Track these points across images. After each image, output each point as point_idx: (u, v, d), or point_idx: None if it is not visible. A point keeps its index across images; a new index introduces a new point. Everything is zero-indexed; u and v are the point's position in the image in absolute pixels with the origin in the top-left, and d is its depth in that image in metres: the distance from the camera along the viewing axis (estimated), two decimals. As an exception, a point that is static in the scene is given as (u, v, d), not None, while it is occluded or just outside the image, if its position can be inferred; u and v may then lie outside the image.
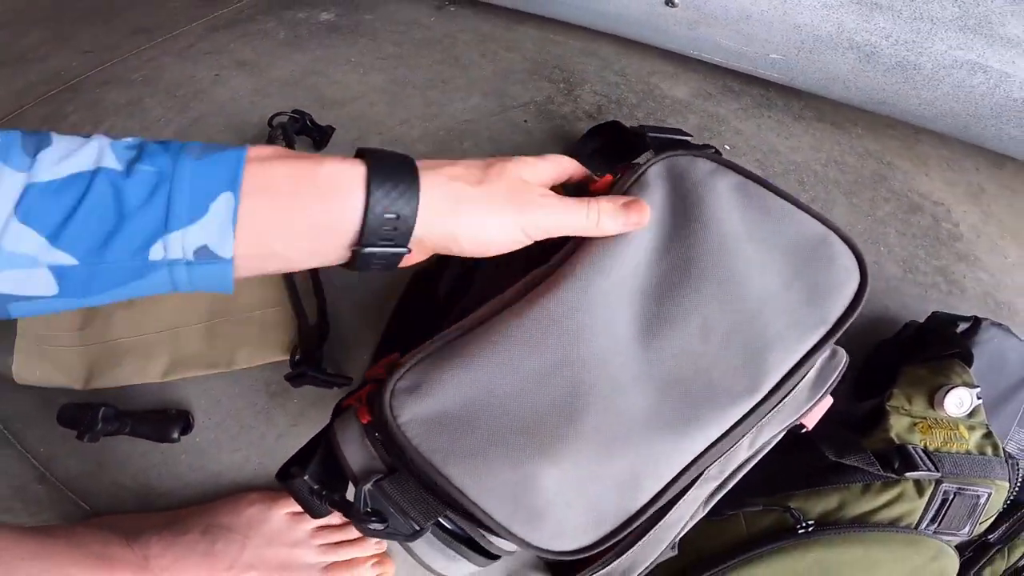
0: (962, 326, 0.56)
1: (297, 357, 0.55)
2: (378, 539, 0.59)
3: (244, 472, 0.59)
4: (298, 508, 0.57)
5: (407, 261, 0.35)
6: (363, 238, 0.32)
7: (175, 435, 0.57)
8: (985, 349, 0.55)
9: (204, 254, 0.29)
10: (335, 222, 0.31)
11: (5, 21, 0.71)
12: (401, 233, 0.32)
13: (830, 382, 0.44)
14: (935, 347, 0.55)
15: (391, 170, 0.32)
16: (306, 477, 0.42)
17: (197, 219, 0.28)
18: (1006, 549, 0.54)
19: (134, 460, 0.60)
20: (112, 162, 0.28)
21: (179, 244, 0.28)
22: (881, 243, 0.63)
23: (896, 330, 0.59)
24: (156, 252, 0.28)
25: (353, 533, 0.58)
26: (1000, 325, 0.56)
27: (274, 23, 0.80)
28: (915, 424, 0.52)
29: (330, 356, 0.58)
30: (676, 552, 0.47)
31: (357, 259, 0.33)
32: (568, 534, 0.37)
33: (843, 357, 0.45)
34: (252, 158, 0.30)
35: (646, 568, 0.45)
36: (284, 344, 0.57)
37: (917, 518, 0.49)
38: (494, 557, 0.46)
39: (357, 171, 0.31)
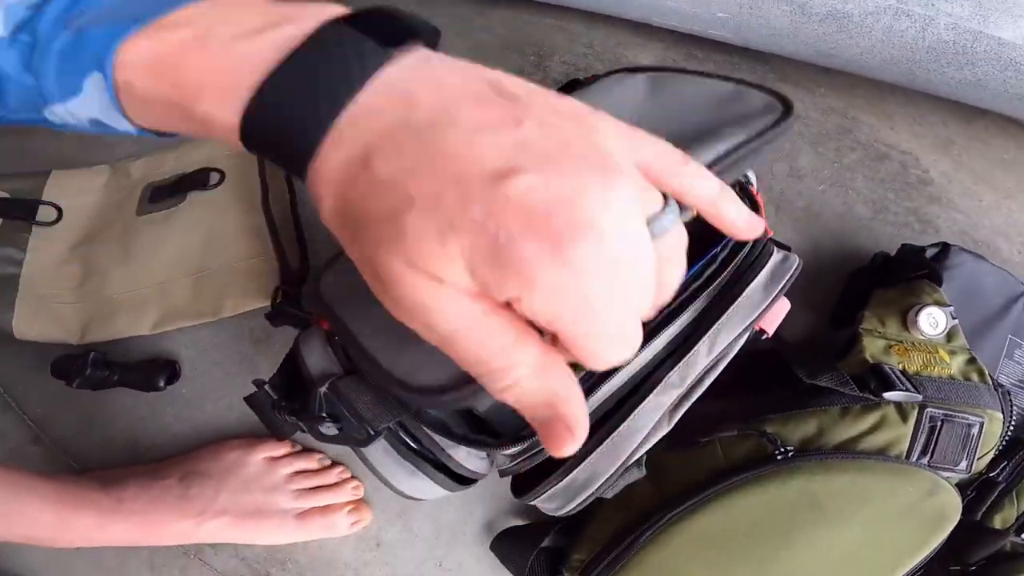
0: (931, 251, 0.55)
1: (279, 300, 0.56)
2: (356, 484, 0.58)
3: (228, 420, 0.60)
4: (276, 452, 0.58)
5: None
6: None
7: (161, 383, 0.59)
8: (957, 274, 0.54)
9: (100, 125, 0.25)
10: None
11: None
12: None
13: (783, 282, 0.44)
14: (905, 271, 0.54)
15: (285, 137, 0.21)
16: (267, 387, 0.43)
17: (72, 96, 0.23)
18: (1015, 494, 0.50)
19: (123, 415, 0.61)
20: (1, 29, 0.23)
21: (66, 114, 0.24)
22: (849, 187, 0.63)
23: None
24: (53, 115, 0.25)
25: (330, 479, 0.57)
26: (971, 252, 0.55)
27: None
28: (891, 347, 0.50)
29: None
30: (644, 472, 0.46)
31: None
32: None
33: (795, 260, 0.45)
34: (122, 62, 0.22)
35: (608, 481, 0.43)
36: (267, 290, 0.58)
37: (906, 447, 0.46)
38: (458, 479, 0.45)
39: (230, 127, 0.22)
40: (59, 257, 0.61)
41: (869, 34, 0.57)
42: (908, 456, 0.46)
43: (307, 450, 0.59)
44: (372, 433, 0.41)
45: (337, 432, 0.41)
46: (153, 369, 0.59)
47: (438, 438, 0.42)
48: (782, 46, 0.63)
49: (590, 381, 0.40)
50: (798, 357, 0.51)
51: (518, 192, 0.18)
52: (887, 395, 0.46)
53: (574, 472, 0.42)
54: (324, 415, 0.41)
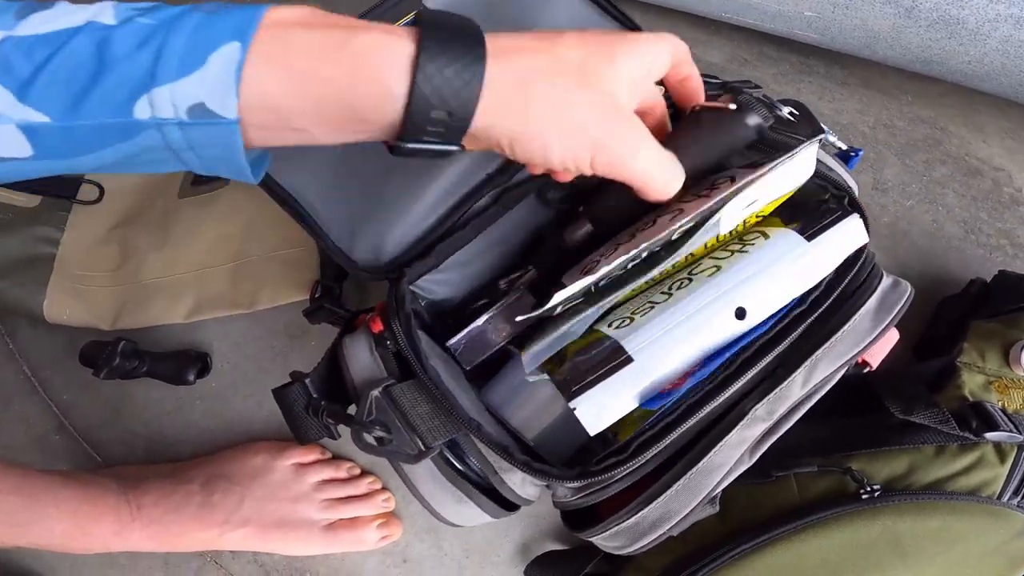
0: (1037, 280, 0.49)
1: (317, 294, 0.52)
2: (387, 495, 0.53)
3: (257, 419, 0.55)
4: (305, 459, 0.53)
5: None
6: (405, 133, 0.25)
7: (191, 377, 0.54)
8: (1066, 306, 0.47)
9: (200, 113, 0.23)
10: (367, 109, 0.25)
11: None
12: (452, 130, 0.26)
13: (895, 312, 0.38)
14: (1006, 300, 0.48)
15: (448, 46, 0.24)
16: (307, 381, 0.38)
17: (191, 72, 0.23)
18: None
19: (149, 407, 0.57)
20: (107, 18, 0.24)
21: (168, 101, 0.23)
22: (939, 203, 0.57)
23: (960, 289, 0.52)
24: (141, 109, 0.23)
25: (360, 489, 0.53)
26: (1080, 282, 0.49)
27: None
28: (990, 382, 0.45)
29: (349, 300, 0.55)
30: (717, 509, 0.40)
31: (395, 150, 0.27)
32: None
33: (907, 287, 0.39)
34: (271, 22, 0.24)
35: (680, 521, 0.38)
36: (305, 283, 0.54)
37: (999, 488, 0.42)
38: (506, 506, 0.40)
39: (402, 51, 0.24)
40: (97, 238, 0.58)
41: (984, 43, 0.50)
42: (1000, 496, 0.42)
43: (337, 457, 0.54)
44: (425, 448, 0.35)
45: (387, 440, 0.36)
46: (184, 361, 0.54)
47: (494, 460, 0.37)
48: (874, 50, 0.56)
49: (674, 415, 0.35)
50: (890, 388, 0.45)
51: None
52: (989, 435, 0.41)
53: (645, 510, 0.36)
54: (373, 421, 0.35)
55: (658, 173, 0.30)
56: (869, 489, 0.42)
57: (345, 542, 0.51)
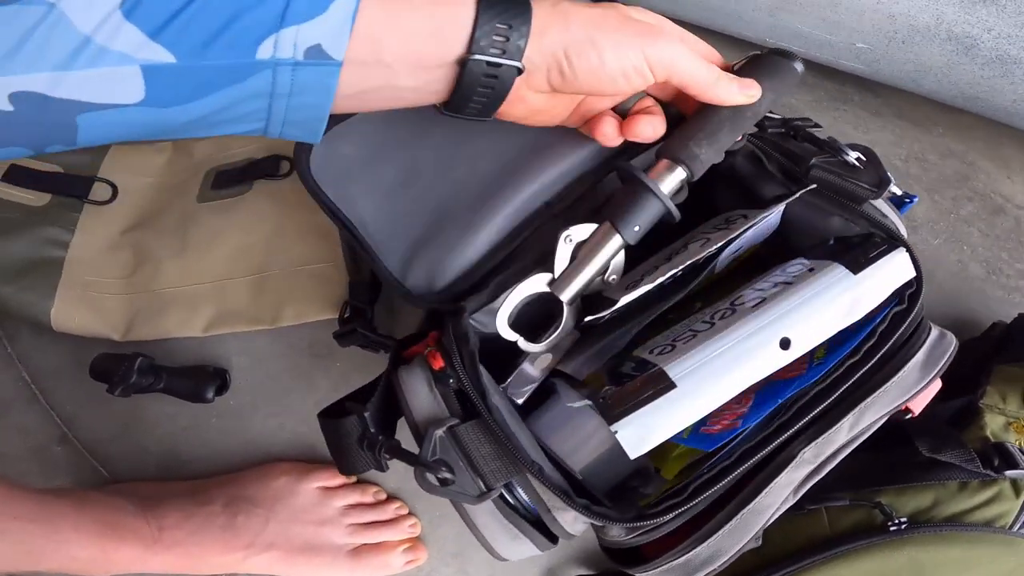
0: (1057, 325, 0.54)
1: (347, 315, 0.53)
2: (414, 521, 0.55)
3: (277, 441, 0.56)
4: (331, 483, 0.54)
5: (506, 110, 0.34)
6: (473, 45, 0.30)
7: (210, 395, 0.55)
8: (1082, 351, 0.52)
9: (315, 54, 0.27)
10: (445, 28, 0.30)
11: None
12: (512, 47, 0.31)
13: (941, 364, 0.41)
14: (1025, 345, 0.53)
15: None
16: (367, 415, 0.40)
17: (315, 16, 0.27)
18: None
19: (162, 423, 0.57)
20: None
21: (291, 41, 0.27)
22: (964, 243, 0.61)
23: (980, 331, 0.57)
24: (265, 49, 0.26)
25: (387, 514, 0.55)
26: (1098, 328, 0.54)
27: None
28: (1010, 424, 0.50)
29: (378, 322, 0.56)
30: (759, 543, 0.44)
31: (464, 77, 0.31)
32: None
33: (952, 340, 0.42)
34: None
35: (729, 559, 0.41)
36: (333, 302, 0.55)
37: (1012, 519, 0.47)
38: (554, 540, 0.42)
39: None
40: (109, 241, 0.57)
41: None
42: (1012, 526, 0.47)
43: (363, 482, 0.56)
44: (487, 489, 0.38)
45: (448, 484, 0.38)
46: (203, 378, 0.55)
47: (547, 499, 0.40)
48: (920, 84, 0.60)
49: (731, 459, 0.38)
50: (920, 428, 0.50)
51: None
52: (1009, 473, 0.47)
53: (698, 548, 0.40)
54: (438, 461, 0.37)
55: (709, 73, 0.35)
56: (897, 522, 0.47)
57: (371, 567, 0.53)
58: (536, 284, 0.40)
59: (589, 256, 0.38)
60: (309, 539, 0.52)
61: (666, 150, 0.38)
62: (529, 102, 0.35)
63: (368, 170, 0.44)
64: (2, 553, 0.41)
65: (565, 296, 0.39)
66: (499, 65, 0.31)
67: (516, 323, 0.41)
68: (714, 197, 0.50)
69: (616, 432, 0.36)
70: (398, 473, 0.55)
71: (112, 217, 0.58)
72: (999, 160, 0.63)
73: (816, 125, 0.46)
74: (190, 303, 0.55)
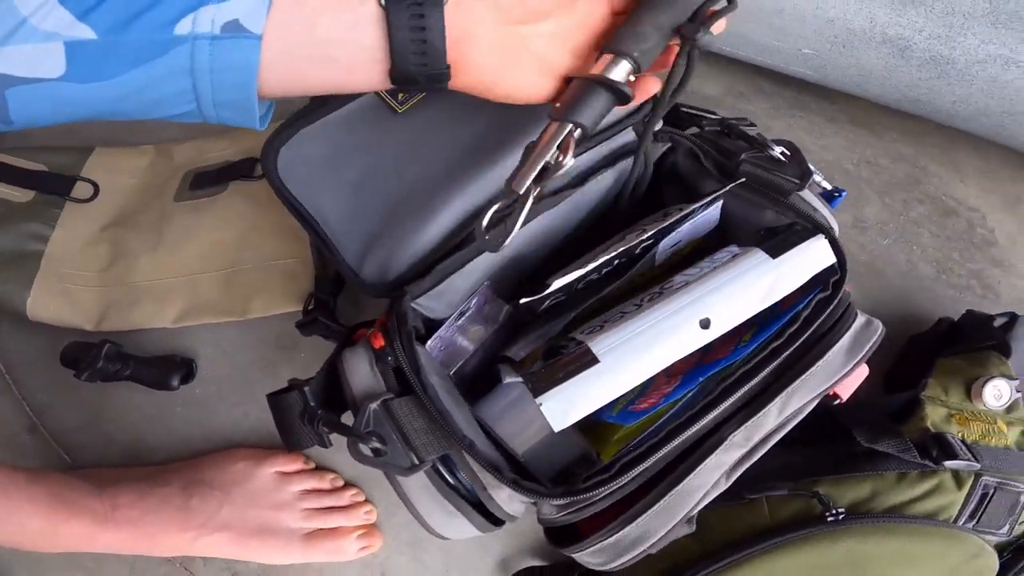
0: (999, 320, 0.55)
1: (311, 306, 0.55)
2: (370, 508, 0.57)
3: (240, 429, 0.59)
4: (288, 468, 0.56)
5: (465, 75, 0.33)
6: (393, 66, 0.31)
7: (175, 383, 0.58)
8: (1023, 346, 0.54)
9: (233, 27, 0.28)
10: (357, 38, 0.31)
11: None
12: (433, 49, 0.31)
13: (866, 350, 0.43)
14: (971, 339, 0.54)
15: None
16: (305, 389, 0.42)
17: None
18: None
19: (129, 412, 0.60)
20: None
21: (209, 18, 0.28)
22: (914, 243, 0.63)
23: (929, 326, 0.59)
24: (183, 26, 0.28)
25: (342, 500, 0.56)
26: (1041, 323, 0.55)
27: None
28: (952, 415, 0.51)
29: (341, 314, 0.59)
30: (694, 529, 0.45)
31: (390, 19, 0.30)
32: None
33: (879, 327, 0.44)
34: None
35: (659, 540, 0.42)
36: (299, 295, 0.57)
37: (956, 512, 0.48)
38: (494, 521, 0.44)
39: None
40: (89, 237, 0.60)
41: (971, 83, 0.57)
42: (956, 520, 0.48)
43: (320, 469, 0.58)
44: (418, 462, 0.40)
45: (380, 455, 0.40)
46: (169, 366, 0.58)
47: (483, 476, 0.42)
48: (866, 88, 0.62)
49: (657, 437, 0.40)
50: (857, 418, 0.51)
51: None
52: (948, 464, 0.48)
53: (627, 528, 0.41)
54: (370, 433, 0.40)
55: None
56: (834, 512, 0.47)
57: (324, 552, 0.54)
58: (495, 202, 0.38)
59: (542, 152, 0.36)
60: (264, 522, 0.53)
61: (608, 45, 0.36)
62: (481, 60, 0.33)
63: (331, 171, 0.47)
64: None
65: (520, 187, 0.36)
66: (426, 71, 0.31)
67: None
68: (662, 195, 0.53)
69: (541, 405, 0.38)
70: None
71: (93, 214, 0.61)
72: (951, 164, 0.66)
73: (751, 124, 0.49)
74: (161, 296, 0.58)
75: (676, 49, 0.37)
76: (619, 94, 0.35)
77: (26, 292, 0.57)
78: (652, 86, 0.38)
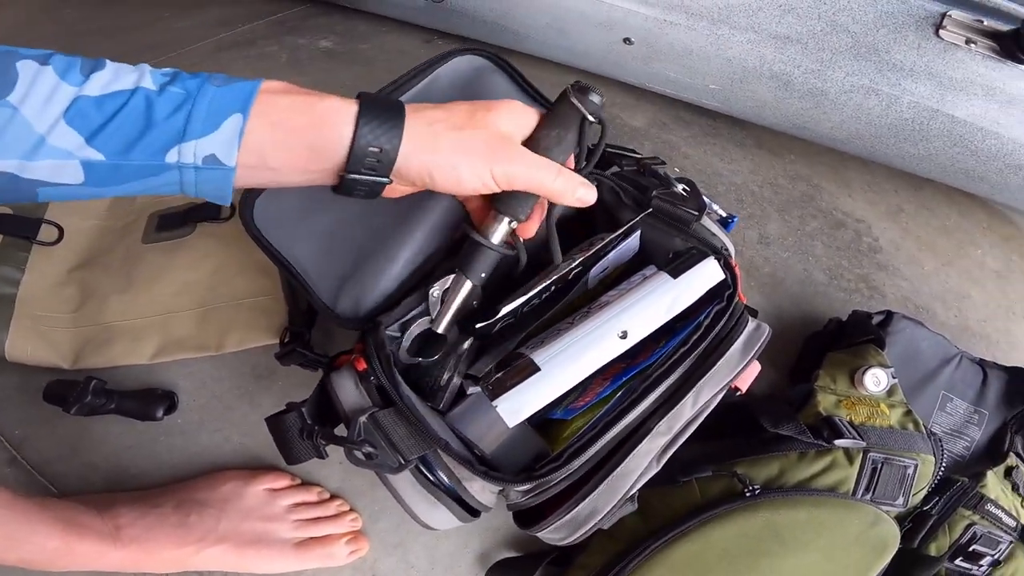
0: (877, 318, 0.72)
1: (287, 339, 0.65)
2: (355, 516, 0.67)
3: (223, 452, 0.67)
4: (277, 484, 0.66)
5: (390, 192, 0.45)
6: (349, 165, 0.41)
7: (159, 414, 0.66)
8: (899, 339, 0.70)
9: (211, 161, 0.38)
10: (324, 149, 0.40)
11: (15, 38, 0.85)
12: (383, 165, 0.42)
13: (756, 348, 0.58)
14: (854, 335, 0.70)
15: (380, 110, 0.41)
16: (303, 410, 0.53)
17: (209, 133, 0.37)
18: (946, 525, 0.65)
19: (109, 441, 0.66)
20: (149, 84, 0.38)
21: (191, 151, 0.37)
22: (809, 254, 0.79)
23: (822, 326, 0.75)
24: (171, 156, 0.37)
25: (329, 510, 0.66)
26: (910, 318, 0.72)
27: (276, 47, 0.95)
28: (840, 401, 0.65)
29: (315, 343, 0.69)
30: (636, 507, 0.58)
31: (343, 184, 0.42)
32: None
33: (766, 328, 0.58)
34: (264, 90, 0.40)
35: (607, 515, 0.55)
36: (273, 329, 0.66)
37: (852, 485, 0.60)
38: (471, 512, 0.57)
39: (350, 109, 0.41)
40: (57, 279, 0.67)
41: (841, 110, 0.73)
42: (854, 493, 0.60)
43: (307, 483, 0.67)
44: (403, 462, 0.52)
45: (372, 458, 0.52)
46: (152, 399, 0.65)
47: (459, 471, 0.54)
48: (763, 117, 0.79)
49: (596, 430, 0.53)
50: (763, 409, 0.64)
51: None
52: (837, 442, 0.60)
53: (579, 507, 0.54)
54: (363, 441, 0.51)
55: (551, 179, 0.46)
56: (751, 488, 0.59)
57: (317, 558, 0.63)
58: (422, 325, 0.55)
59: (450, 300, 0.53)
60: (258, 534, 0.61)
61: (494, 203, 0.50)
62: (405, 190, 0.46)
63: (303, 220, 0.57)
64: None
65: (440, 328, 0.54)
66: (372, 179, 0.42)
67: (414, 348, 0.56)
68: (595, 224, 0.67)
69: (497, 407, 0.51)
70: (339, 474, 0.66)
71: (59, 257, 0.68)
72: (841, 181, 0.83)
73: (661, 162, 0.64)
74: (136, 334, 0.65)
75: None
76: (509, 255, 0.52)
77: (3, 334, 0.63)
78: (533, 226, 0.53)
